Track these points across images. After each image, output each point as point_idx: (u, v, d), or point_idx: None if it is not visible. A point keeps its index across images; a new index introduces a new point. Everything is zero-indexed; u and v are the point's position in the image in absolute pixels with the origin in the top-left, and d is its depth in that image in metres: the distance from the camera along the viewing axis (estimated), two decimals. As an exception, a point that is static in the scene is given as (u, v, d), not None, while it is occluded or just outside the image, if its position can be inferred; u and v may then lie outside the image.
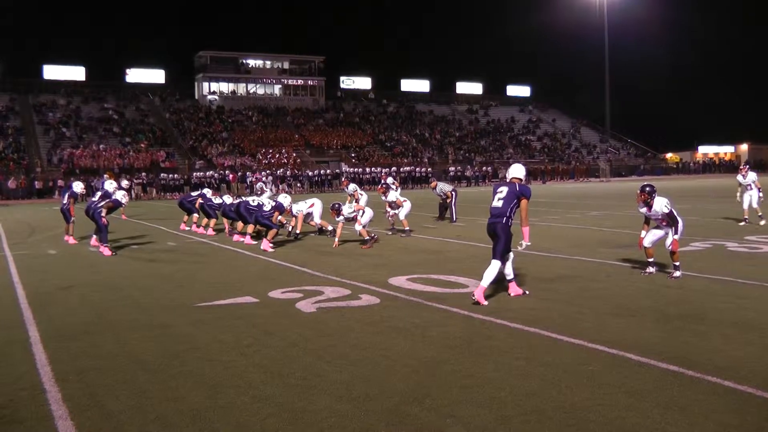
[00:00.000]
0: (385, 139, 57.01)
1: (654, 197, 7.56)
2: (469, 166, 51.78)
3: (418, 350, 4.94)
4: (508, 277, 6.82)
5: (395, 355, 4.83)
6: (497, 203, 6.68)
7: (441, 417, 3.66)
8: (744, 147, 74.15)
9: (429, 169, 48.32)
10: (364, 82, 66.77)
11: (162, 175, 41.07)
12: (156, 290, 7.79)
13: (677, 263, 7.60)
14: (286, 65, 62.44)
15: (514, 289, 6.80)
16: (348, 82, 65.97)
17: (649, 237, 7.83)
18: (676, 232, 7.58)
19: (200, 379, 4.39)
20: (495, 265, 6.49)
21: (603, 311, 6.09)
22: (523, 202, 6.59)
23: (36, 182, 39.57)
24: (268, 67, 61.95)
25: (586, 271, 8.33)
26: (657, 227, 7.85)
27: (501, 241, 6.54)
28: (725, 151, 76.09)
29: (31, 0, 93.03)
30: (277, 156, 48.43)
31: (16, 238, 14.85)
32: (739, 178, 13.96)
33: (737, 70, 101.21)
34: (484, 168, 52.16)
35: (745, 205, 13.43)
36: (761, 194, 13.51)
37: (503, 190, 6.71)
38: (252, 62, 61.35)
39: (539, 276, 8.05)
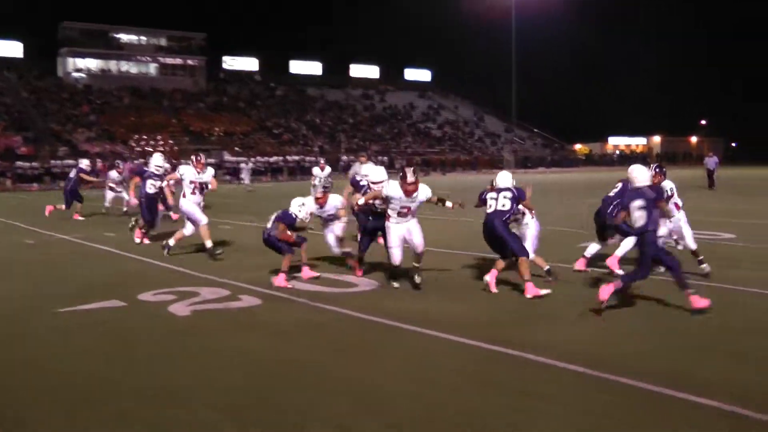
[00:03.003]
0: (273, 125, 55.11)
1: (663, 178, 7.52)
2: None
3: (288, 352, 4.78)
4: (587, 254, 7.78)
5: (264, 358, 4.62)
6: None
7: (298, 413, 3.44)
8: (657, 139, 71.49)
9: (320, 159, 47.50)
10: (249, 63, 63.63)
11: (18, 163, 36.59)
12: (11, 294, 6.85)
13: (701, 257, 7.30)
14: (163, 42, 58.60)
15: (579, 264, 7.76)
16: (232, 63, 62.75)
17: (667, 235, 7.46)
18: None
19: (54, 396, 3.92)
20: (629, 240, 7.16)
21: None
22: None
23: None
24: (143, 43, 57.78)
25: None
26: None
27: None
28: (637, 142, 72.96)
29: None
30: (152, 143, 45.21)
31: None
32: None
33: (650, 60, 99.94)
34: (380, 157, 51.62)
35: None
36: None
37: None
38: (124, 37, 56.91)
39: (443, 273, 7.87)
